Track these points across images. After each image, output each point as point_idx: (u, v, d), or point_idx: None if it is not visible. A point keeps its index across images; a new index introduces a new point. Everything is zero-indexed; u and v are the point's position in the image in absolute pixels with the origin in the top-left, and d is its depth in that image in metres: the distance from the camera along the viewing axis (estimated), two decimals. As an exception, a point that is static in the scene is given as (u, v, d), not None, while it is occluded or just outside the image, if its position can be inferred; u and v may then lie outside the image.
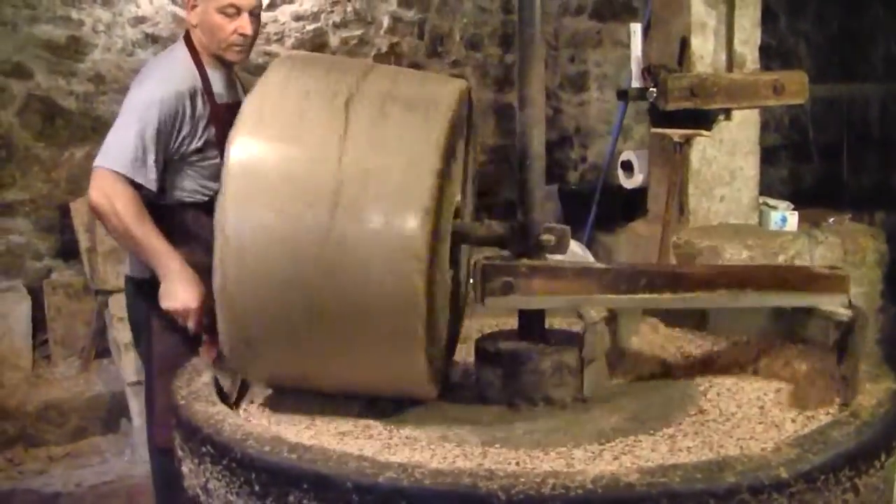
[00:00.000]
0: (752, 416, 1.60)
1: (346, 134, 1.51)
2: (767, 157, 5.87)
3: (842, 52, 6.63)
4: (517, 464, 1.39)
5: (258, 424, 1.58)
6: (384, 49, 5.74)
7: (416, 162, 1.47)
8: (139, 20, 5.11)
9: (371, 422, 1.63)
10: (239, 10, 2.59)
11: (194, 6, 2.63)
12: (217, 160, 2.57)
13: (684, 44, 4.06)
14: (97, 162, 2.56)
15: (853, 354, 1.55)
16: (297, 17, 5.51)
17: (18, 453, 4.30)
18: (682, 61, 4.04)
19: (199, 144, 2.60)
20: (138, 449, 4.23)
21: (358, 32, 5.67)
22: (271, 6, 5.43)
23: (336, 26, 5.60)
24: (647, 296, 1.65)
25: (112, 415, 4.51)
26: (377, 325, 1.45)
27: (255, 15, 2.63)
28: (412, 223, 1.41)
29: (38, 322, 4.88)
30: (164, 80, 2.61)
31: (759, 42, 4.25)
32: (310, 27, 5.53)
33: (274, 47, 5.46)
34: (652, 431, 1.55)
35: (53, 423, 4.42)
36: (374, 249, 1.41)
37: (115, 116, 5.24)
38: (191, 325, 2.43)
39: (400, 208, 1.43)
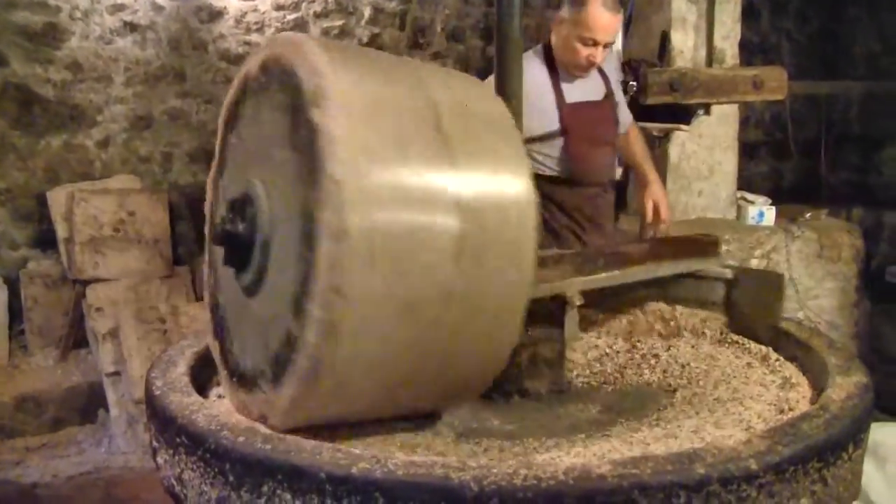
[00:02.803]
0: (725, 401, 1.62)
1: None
2: (748, 153, 5.91)
3: (823, 50, 6.68)
4: (490, 455, 1.40)
5: (232, 415, 1.57)
6: (365, 40, 5.73)
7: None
8: (118, 8, 5.07)
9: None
10: (596, 43, 3.01)
11: (561, 23, 3.07)
12: (559, 148, 3.11)
13: (665, 38, 4.08)
14: None
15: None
16: (278, 7, 5.49)
17: (-6, 444, 4.28)
18: (662, 56, 4.06)
19: (542, 134, 3.04)
20: (116, 440, 4.22)
21: (339, 23, 5.65)
22: (252, -5, 5.42)
23: (317, 16, 5.58)
24: (604, 274, 1.80)
25: (89, 405, 4.50)
26: None
27: (607, 46, 3.06)
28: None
29: (15, 312, 4.86)
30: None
31: (738, 38, 4.27)
32: (290, 17, 5.51)
33: (254, 37, 5.44)
34: (626, 422, 1.57)
35: (30, 414, 4.40)
36: None
37: (93, 105, 5.24)
38: None
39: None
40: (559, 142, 3.12)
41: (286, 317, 1.32)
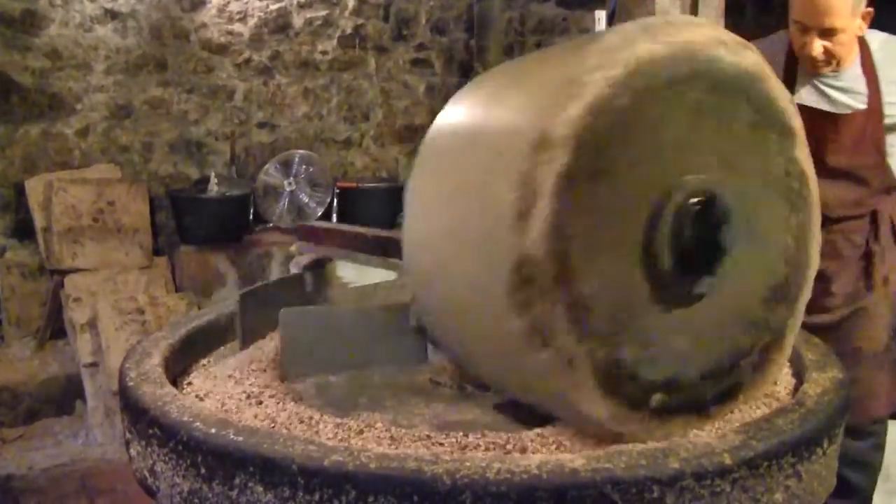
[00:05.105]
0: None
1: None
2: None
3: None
4: (464, 448, 1.39)
5: (205, 406, 1.56)
6: (349, 31, 5.70)
7: None
8: (98, -5, 5.02)
9: (320, 406, 1.63)
10: (807, 29, 2.40)
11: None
12: None
13: (648, 33, 4.08)
14: None
15: None
16: (262, -3, 5.46)
17: (-30, 435, 4.25)
18: (645, 50, 4.06)
19: None
20: (93, 431, 4.19)
21: (322, 13, 5.62)
22: (235, -16, 5.38)
23: (300, 6, 5.55)
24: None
25: (67, 397, 4.47)
26: None
27: (827, 36, 2.37)
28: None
29: (-9, 302, 4.81)
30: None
31: (721, 33, 4.28)
32: (273, 7, 5.47)
33: (236, 26, 5.41)
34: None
35: (6, 405, 4.36)
36: None
37: (73, 93, 5.19)
38: None
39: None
40: None
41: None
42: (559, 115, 1.28)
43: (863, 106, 2.47)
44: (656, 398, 1.38)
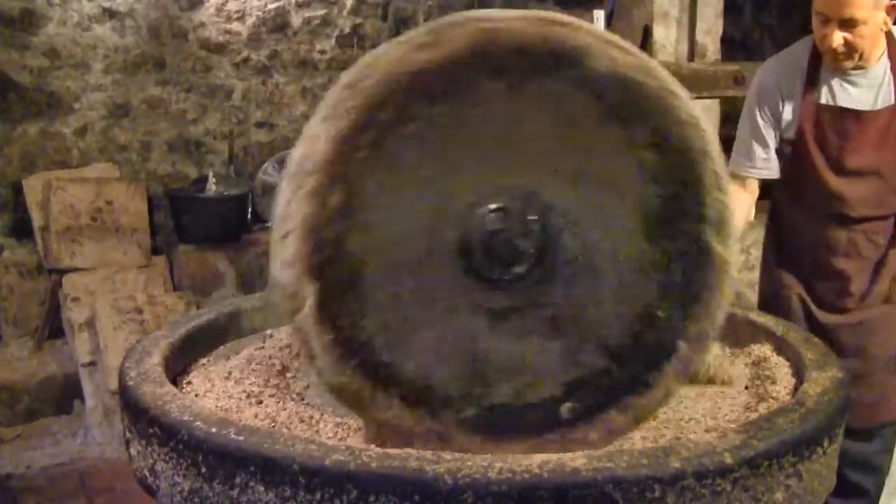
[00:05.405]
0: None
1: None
2: (727, 148, 5.91)
3: (803, 46, 6.70)
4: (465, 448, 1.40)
5: (205, 405, 1.56)
6: (347, 30, 5.70)
7: None
8: (96, -6, 5.01)
9: (321, 405, 1.63)
10: (828, 20, 2.36)
11: None
12: (789, 160, 2.50)
13: (646, 33, 4.08)
14: None
15: None
16: (260, -5, 5.45)
17: (-32, 434, 4.24)
18: (643, 50, 4.06)
19: (789, 136, 2.51)
20: (91, 430, 4.19)
21: (321, 12, 5.62)
22: (232, -17, 5.37)
23: (299, 6, 5.54)
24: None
25: (65, 396, 4.46)
26: None
27: (848, 27, 2.32)
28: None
29: (-10, 301, 4.80)
30: (770, 63, 2.62)
31: (720, 33, 4.28)
32: (272, 6, 5.47)
33: (234, 25, 5.40)
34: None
35: (4, 404, 4.36)
36: None
37: (71, 92, 5.17)
38: None
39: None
40: (802, 149, 2.47)
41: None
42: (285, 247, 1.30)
43: (890, 102, 2.44)
44: (565, 408, 1.33)
